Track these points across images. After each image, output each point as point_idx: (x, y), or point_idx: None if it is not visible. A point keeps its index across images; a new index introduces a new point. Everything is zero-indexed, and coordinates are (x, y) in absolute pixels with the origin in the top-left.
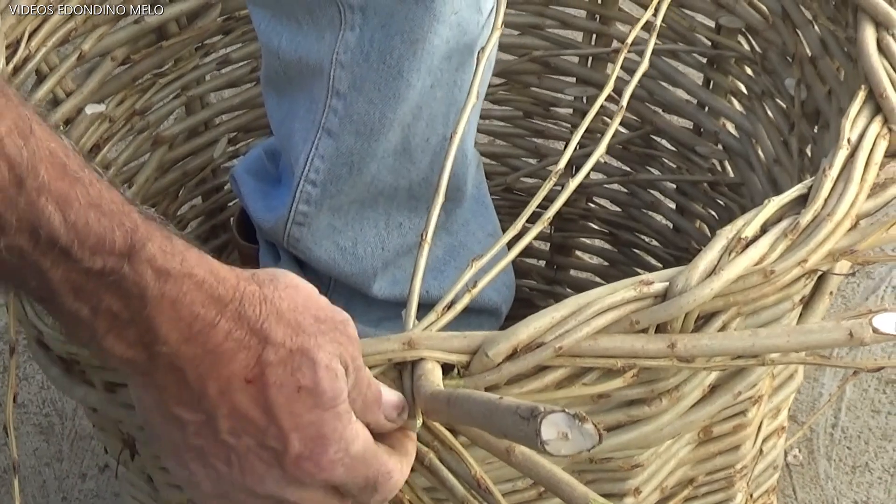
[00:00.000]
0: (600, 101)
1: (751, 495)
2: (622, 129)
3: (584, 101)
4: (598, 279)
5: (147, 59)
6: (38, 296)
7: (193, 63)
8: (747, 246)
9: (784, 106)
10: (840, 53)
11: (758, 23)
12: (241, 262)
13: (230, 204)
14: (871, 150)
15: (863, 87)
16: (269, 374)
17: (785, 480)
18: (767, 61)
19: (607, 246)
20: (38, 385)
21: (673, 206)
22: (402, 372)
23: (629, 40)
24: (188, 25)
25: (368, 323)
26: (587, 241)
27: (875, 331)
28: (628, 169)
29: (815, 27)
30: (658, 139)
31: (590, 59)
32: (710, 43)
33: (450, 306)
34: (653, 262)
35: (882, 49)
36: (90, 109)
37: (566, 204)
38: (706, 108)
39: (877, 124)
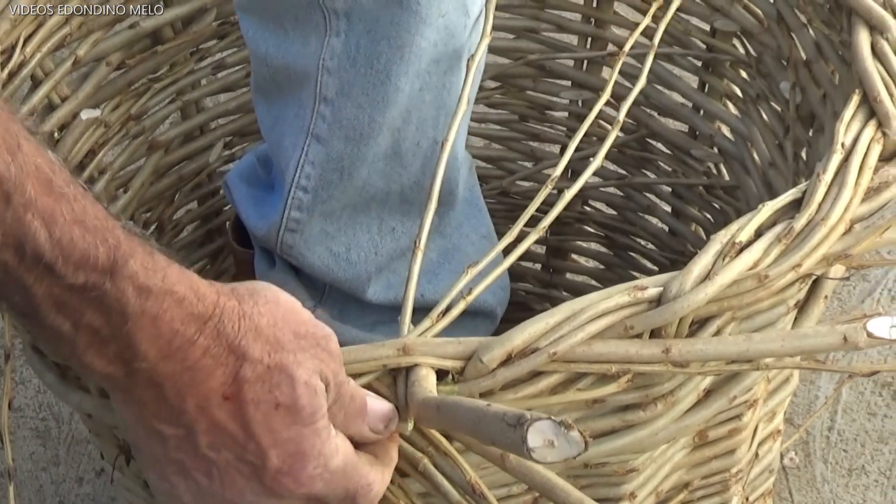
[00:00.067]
0: (597, 109)
1: (746, 499)
2: (618, 133)
3: (580, 104)
4: (594, 282)
5: (142, 63)
6: (20, 311)
7: (189, 68)
8: (741, 251)
9: (779, 109)
10: (835, 57)
11: (752, 26)
12: (236, 266)
13: (226, 208)
14: (866, 155)
15: (857, 90)
16: (246, 390)
17: (781, 483)
18: (762, 65)
19: (603, 249)
20: (35, 389)
21: (668, 209)
22: (396, 378)
23: (626, 48)
24: (183, 30)
25: (364, 327)
26: (583, 244)
27: (869, 335)
28: (624, 172)
29: (810, 31)
30: (653, 142)
31: (585, 62)
32: (705, 46)
33: (445, 312)
34: (649, 265)
35: (876, 53)
36: (85, 115)
37: (563, 207)
38: (701, 112)
39: (871, 128)
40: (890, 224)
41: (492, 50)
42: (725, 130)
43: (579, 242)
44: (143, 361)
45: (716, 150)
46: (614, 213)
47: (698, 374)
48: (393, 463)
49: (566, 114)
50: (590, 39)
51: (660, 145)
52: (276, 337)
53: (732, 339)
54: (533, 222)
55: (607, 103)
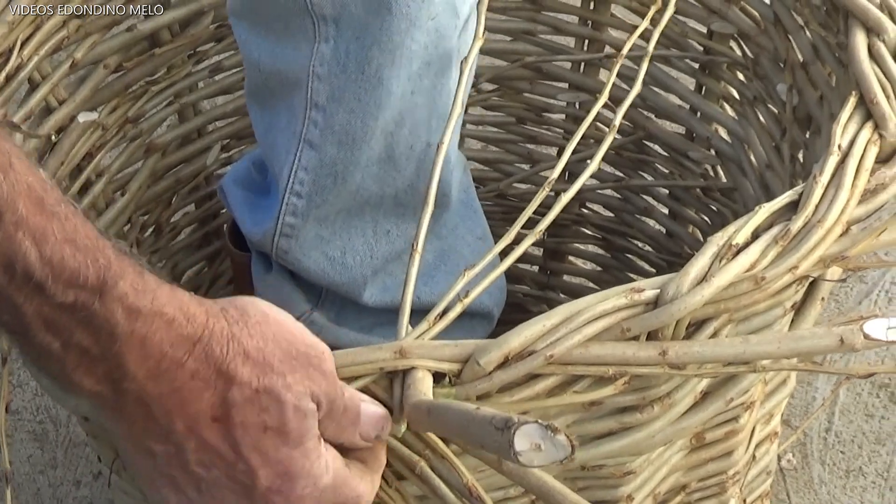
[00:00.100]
0: (594, 112)
1: (744, 501)
2: (615, 135)
3: (577, 106)
4: (591, 284)
5: (139, 66)
6: (10, 329)
7: (186, 70)
8: (738, 253)
9: (776, 111)
10: (831, 59)
11: (750, 28)
12: (233, 270)
13: (223, 211)
14: (862, 157)
15: (853, 93)
16: (234, 414)
17: (779, 485)
18: (759, 67)
19: (600, 251)
20: (33, 392)
21: (666, 211)
22: (393, 381)
23: (625, 50)
24: (180, 33)
25: (361, 329)
26: (580, 246)
27: (866, 337)
28: (621, 174)
29: (807, 33)
30: (651, 144)
31: (582, 64)
32: (702, 48)
33: (442, 315)
34: (646, 267)
35: (873, 55)
36: (83, 117)
37: (560, 210)
38: (698, 114)
39: (867, 130)
40: (887, 226)
41: (488, 52)
42: (722, 132)
43: (576, 244)
44: (131, 382)
45: (713, 152)
46: (611, 215)
47: (695, 376)
48: (381, 466)
49: (563, 116)
50: (587, 42)
51: (657, 147)
52: (265, 359)
53: (729, 342)
54: (530, 225)
55: (604, 105)
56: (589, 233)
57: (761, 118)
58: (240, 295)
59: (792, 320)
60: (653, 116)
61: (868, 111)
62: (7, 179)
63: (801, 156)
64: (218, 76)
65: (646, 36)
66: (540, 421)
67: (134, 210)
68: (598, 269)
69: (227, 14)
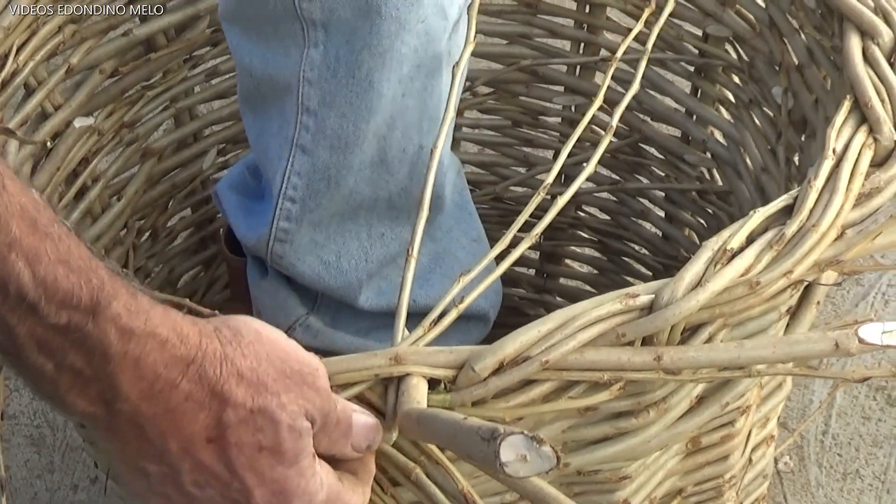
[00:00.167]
0: (590, 114)
1: None
2: (611, 138)
3: (573, 109)
4: (587, 287)
5: (135, 71)
6: (2, 349)
7: (182, 75)
8: (733, 257)
9: (771, 114)
10: (826, 62)
11: (745, 31)
12: (229, 274)
13: (219, 215)
14: (857, 160)
15: (848, 96)
16: (229, 434)
17: (776, 488)
18: (755, 70)
19: (597, 254)
20: (29, 396)
21: (662, 214)
22: (387, 387)
23: (619, 54)
24: (176, 37)
25: (357, 333)
26: (577, 249)
27: (861, 341)
28: (617, 177)
29: (802, 36)
30: (646, 147)
31: (578, 68)
32: (697, 51)
33: (437, 320)
34: (642, 270)
35: (867, 58)
36: (79, 122)
37: (556, 213)
38: (694, 117)
39: (862, 134)
40: (882, 229)
41: (484, 56)
42: (718, 135)
43: (573, 248)
44: (124, 403)
45: (709, 155)
46: (608, 218)
47: (690, 381)
48: (371, 476)
49: (559, 119)
50: (582, 45)
51: (653, 150)
52: (260, 379)
53: (724, 346)
54: (526, 228)
55: (600, 108)
56: (585, 236)
57: (757, 121)
58: (236, 298)
59: (787, 324)
60: (648, 119)
61: (863, 115)
62: (0, 201)
63: (796, 159)
64: (214, 80)
65: (641, 38)
66: (525, 432)
67: (130, 215)
68: (595, 272)
69: (219, 19)
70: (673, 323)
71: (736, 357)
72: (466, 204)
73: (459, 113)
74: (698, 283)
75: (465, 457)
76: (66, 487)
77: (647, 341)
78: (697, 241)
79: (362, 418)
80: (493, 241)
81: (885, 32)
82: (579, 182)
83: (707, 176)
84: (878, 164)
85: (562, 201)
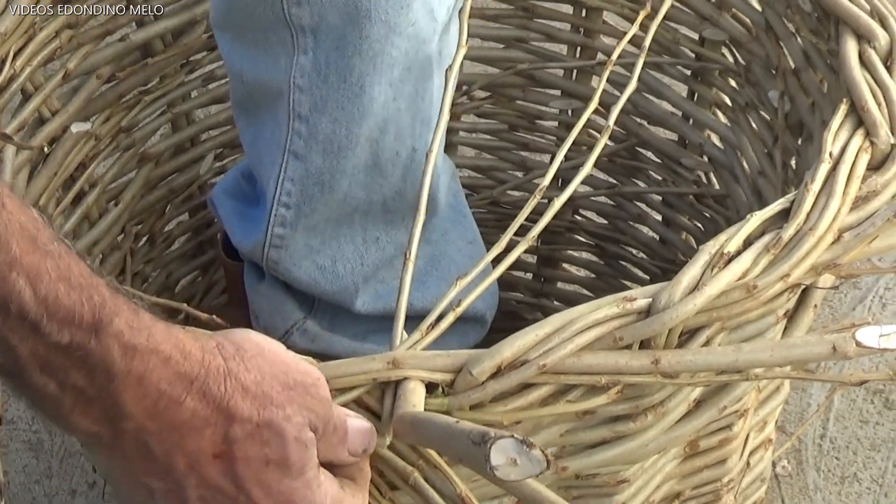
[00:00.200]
0: (585, 117)
1: None
2: (608, 142)
3: (570, 113)
4: (585, 291)
5: (132, 76)
6: (4, 370)
7: (179, 80)
8: (730, 261)
9: (768, 118)
10: (823, 65)
11: (741, 35)
12: (226, 279)
13: (217, 220)
14: (854, 164)
15: (845, 99)
16: (236, 449)
17: (774, 491)
18: (751, 73)
19: (594, 258)
20: None
21: (659, 218)
22: (384, 391)
23: (614, 57)
24: (173, 42)
25: (355, 337)
26: (574, 253)
27: (858, 344)
28: (614, 181)
29: (798, 39)
30: (644, 151)
31: (574, 71)
32: (694, 55)
33: (434, 324)
34: (640, 274)
35: (864, 62)
36: (76, 128)
37: (553, 217)
38: (691, 121)
39: (859, 137)
40: (879, 232)
41: (481, 60)
42: (715, 139)
43: (570, 252)
44: (129, 421)
45: (705, 158)
46: (605, 222)
47: (688, 384)
48: (368, 479)
49: (556, 123)
50: (579, 49)
51: (650, 154)
52: (264, 392)
53: (721, 350)
54: (523, 232)
55: (597, 112)
56: (583, 240)
57: (753, 125)
58: (233, 303)
59: (785, 328)
60: (645, 123)
61: (859, 118)
62: (0, 219)
63: (793, 162)
64: (211, 85)
65: (637, 42)
66: (516, 435)
67: (127, 220)
68: (592, 276)
69: (211, 26)
70: (670, 326)
71: (733, 361)
72: (461, 206)
73: (456, 117)
74: (695, 287)
75: (457, 460)
76: (64, 492)
77: (644, 345)
78: (695, 245)
79: (357, 423)
80: (490, 245)
81: (882, 36)
82: (575, 184)
83: (704, 180)
84: (875, 167)
85: (558, 203)
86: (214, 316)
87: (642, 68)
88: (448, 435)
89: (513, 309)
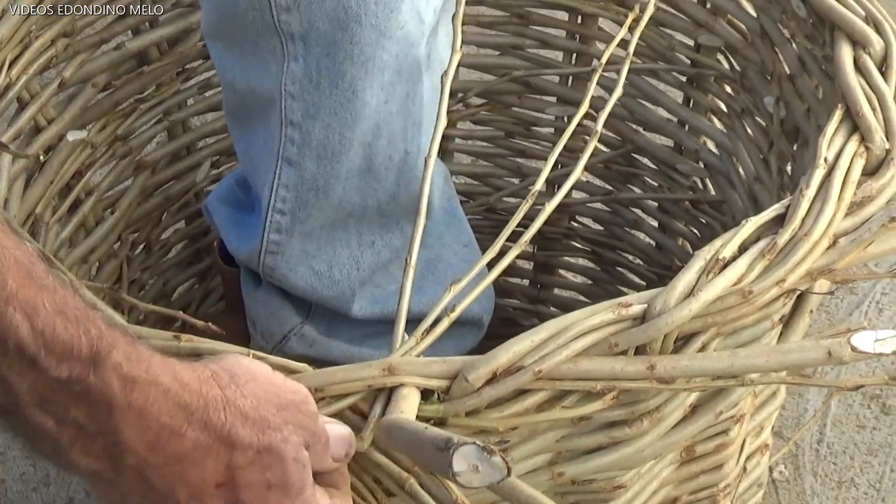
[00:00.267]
0: (576, 121)
1: None
2: (604, 148)
3: (566, 120)
4: (582, 298)
5: (128, 84)
6: (3, 409)
7: (175, 88)
8: (725, 267)
9: (763, 124)
10: (818, 71)
11: (736, 41)
12: (224, 286)
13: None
14: (849, 169)
15: (840, 105)
16: (238, 477)
17: (771, 497)
18: (746, 79)
19: (591, 264)
20: None
21: (655, 224)
22: (376, 398)
23: (604, 59)
24: (169, 50)
25: (352, 341)
26: (571, 259)
27: (854, 349)
28: (610, 188)
29: (793, 45)
30: (639, 157)
31: (570, 78)
32: (689, 61)
33: (429, 330)
34: (636, 280)
35: (859, 67)
36: (72, 136)
37: (549, 223)
38: (686, 127)
39: (854, 143)
40: (874, 238)
41: (477, 67)
42: (710, 145)
43: (567, 258)
44: (130, 455)
45: (701, 164)
46: (601, 228)
47: (684, 390)
48: (349, 482)
49: (552, 130)
50: (575, 55)
51: (646, 160)
52: (262, 416)
53: (717, 355)
54: (518, 237)
55: (592, 118)
56: (579, 246)
57: (749, 131)
58: (230, 309)
59: (780, 333)
60: (641, 129)
61: (854, 124)
62: None
63: (788, 168)
64: (207, 93)
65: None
66: (477, 442)
67: (124, 228)
68: (589, 282)
69: (203, 35)
70: (666, 332)
71: (729, 366)
72: (456, 210)
73: (452, 124)
74: (691, 293)
75: (425, 467)
76: (61, 501)
77: (640, 350)
78: (691, 251)
79: (336, 429)
80: (485, 250)
81: (876, 41)
82: (568, 186)
83: (700, 186)
84: (870, 172)
85: (550, 206)
86: (211, 323)
87: (638, 75)
88: (417, 441)
89: (509, 315)
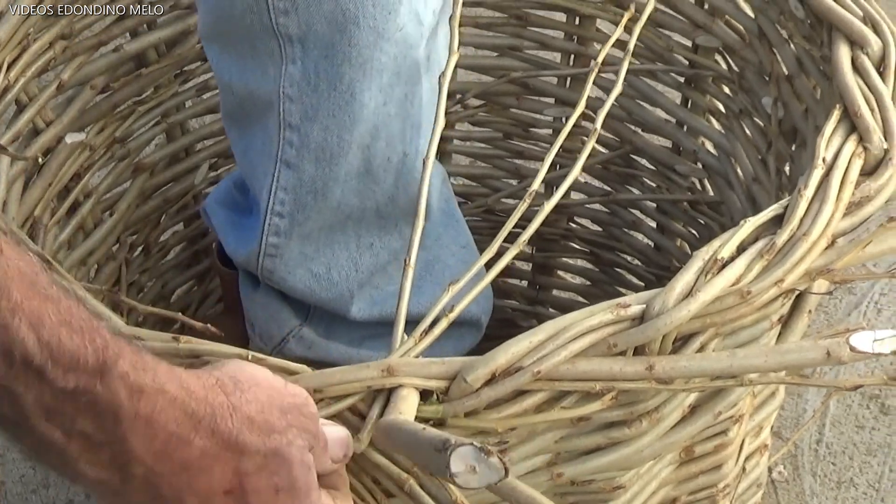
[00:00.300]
0: (572, 121)
1: None
2: (602, 149)
3: (564, 121)
4: (580, 299)
5: (126, 86)
6: (7, 420)
7: (173, 90)
8: (723, 267)
9: (762, 124)
10: (816, 72)
11: (734, 42)
12: (222, 288)
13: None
14: (847, 169)
15: (838, 105)
16: (246, 483)
17: (770, 497)
18: (745, 80)
19: (589, 265)
20: None
21: (653, 224)
22: (374, 399)
23: (600, 58)
24: (167, 53)
25: (351, 343)
26: (569, 260)
27: (852, 349)
28: (609, 188)
29: (791, 46)
30: (638, 158)
31: (568, 79)
32: (687, 62)
33: (428, 330)
34: (635, 280)
35: (856, 68)
36: (70, 138)
37: (547, 224)
38: (685, 127)
39: (852, 143)
40: (872, 238)
41: (475, 68)
42: (709, 146)
43: (565, 259)
44: (138, 465)
45: (699, 165)
46: (599, 229)
47: (682, 390)
48: (348, 483)
49: (550, 131)
50: (573, 56)
51: (644, 161)
52: (267, 421)
53: (716, 356)
54: (516, 238)
55: (589, 119)
56: (577, 247)
57: (747, 131)
58: (229, 311)
59: (779, 333)
60: (639, 130)
61: (852, 124)
62: None
63: (787, 168)
64: (205, 95)
65: (626, 46)
66: (475, 443)
67: (122, 230)
68: (587, 283)
69: (200, 37)
70: (664, 333)
71: (728, 366)
72: (453, 211)
73: (450, 125)
74: (689, 293)
75: (423, 468)
76: (61, 502)
77: (638, 351)
78: (689, 252)
79: (334, 430)
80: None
81: (874, 42)
82: (566, 186)
83: (698, 186)
84: (868, 172)
85: (548, 206)
86: (210, 325)
87: (636, 75)
88: (415, 442)
89: (508, 317)
